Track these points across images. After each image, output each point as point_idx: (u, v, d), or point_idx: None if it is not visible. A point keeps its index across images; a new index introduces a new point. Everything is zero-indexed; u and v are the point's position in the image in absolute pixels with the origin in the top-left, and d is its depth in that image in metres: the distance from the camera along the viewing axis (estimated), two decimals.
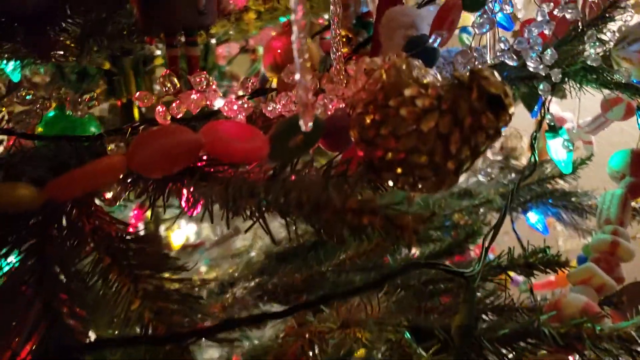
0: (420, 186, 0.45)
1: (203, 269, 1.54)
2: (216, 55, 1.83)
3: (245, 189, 0.45)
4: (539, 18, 0.78)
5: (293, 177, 0.55)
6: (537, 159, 0.88)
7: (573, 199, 1.30)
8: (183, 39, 0.91)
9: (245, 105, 0.58)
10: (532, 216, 1.42)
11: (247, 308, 0.93)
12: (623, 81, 0.82)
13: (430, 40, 0.63)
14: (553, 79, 0.86)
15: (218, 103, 0.60)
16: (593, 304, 0.74)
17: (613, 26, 0.92)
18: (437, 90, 0.43)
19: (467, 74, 0.42)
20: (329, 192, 0.37)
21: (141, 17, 0.85)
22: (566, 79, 0.99)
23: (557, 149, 1.02)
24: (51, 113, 1.24)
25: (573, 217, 1.36)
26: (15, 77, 1.19)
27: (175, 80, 0.56)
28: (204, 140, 0.49)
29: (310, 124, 0.38)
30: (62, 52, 0.78)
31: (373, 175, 0.48)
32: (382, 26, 0.77)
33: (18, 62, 0.96)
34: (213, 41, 1.56)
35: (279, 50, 1.10)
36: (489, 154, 1.82)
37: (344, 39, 1.01)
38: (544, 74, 0.82)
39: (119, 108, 1.57)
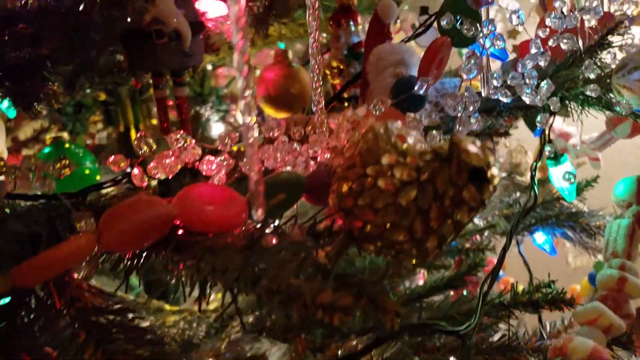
0: (403, 260, 0.43)
1: None
2: (216, 76, 1.82)
3: (218, 266, 0.43)
4: (533, 50, 0.75)
5: (276, 238, 0.53)
6: (537, 192, 0.85)
7: (580, 220, 1.26)
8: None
9: (225, 162, 0.56)
10: (539, 237, 1.38)
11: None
12: (623, 113, 0.79)
13: (416, 88, 0.61)
14: (552, 108, 0.83)
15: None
16: (601, 350, 0.71)
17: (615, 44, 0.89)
18: (415, 160, 0.41)
19: (447, 145, 0.39)
20: (300, 286, 0.35)
21: (127, 59, 0.84)
22: (567, 102, 0.96)
23: (558, 177, 0.98)
24: (46, 149, 1.23)
25: (581, 237, 1.32)
26: (11, 114, 1.18)
27: (151, 141, 0.54)
28: (176, 211, 0.47)
29: (262, 212, 0.35)
30: (45, 102, 0.76)
31: (354, 244, 0.46)
32: (369, 65, 0.75)
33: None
34: (209, 67, 1.55)
35: (271, 82, 1.09)
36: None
37: (336, 70, 0.99)
38: (541, 105, 0.79)
39: (116, 136, 1.57)
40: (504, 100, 0.72)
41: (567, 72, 0.90)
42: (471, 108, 0.66)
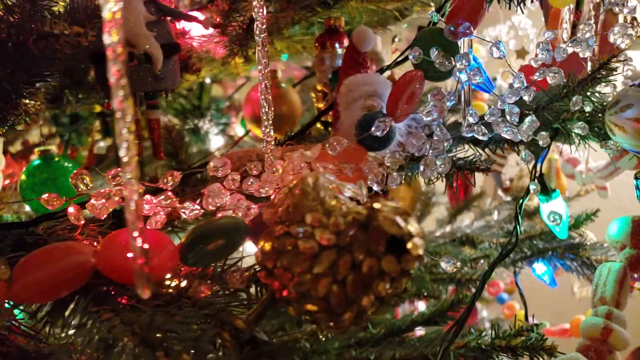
0: (323, 327, 0.40)
1: None
2: (223, 85, 1.80)
3: (126, 322, 0.40)
4: (516, 84, 0.71)
5: (208, 288, 0.50)
6: (520, 231, 0.80)
7: (581, 253, 1.20)
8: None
9: (165, 202, 0.53)
10: (539, 267, 1.32)
11: None
12: (611, 155, 0.74)
13: (373, 128, 0.57)
14: (541, 143, 0.79)
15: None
16: None
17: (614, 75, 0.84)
18: (337, 221, 0.38)
19: (366, 210, 0.36)
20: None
21: (96, 82, 0.82)
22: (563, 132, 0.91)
23: (548, 214, 0.93)
24: (35, 162, 1.23)
25: (583, 270, 1.26)
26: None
27: (88, 179, 0.52)
28: (97, 259, 0.45)
29: (147, 292, 0.32)
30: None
31: (280, 306, 0.43)
32: (340, 96, 0.72)
33: None
34: (208, 80, 1.54)
35: (257, 101, 1.06)
36: (499, 192, 1.73)
37: (320, 94, 0.96)
38: (525, 141, 0.75)
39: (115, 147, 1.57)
40: (481, 138, 0.68)
41: (560, 103, 0.86)
42: (440, 148, 0.62)
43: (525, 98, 0.72)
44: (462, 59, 0.64)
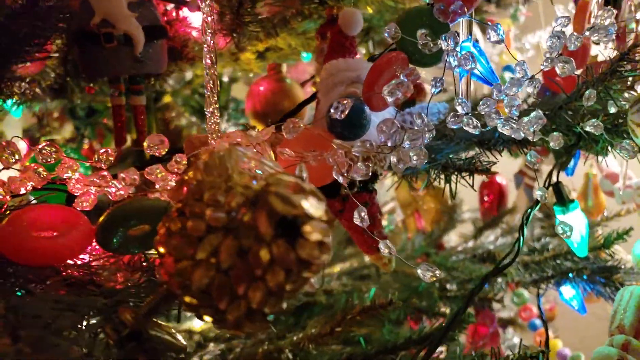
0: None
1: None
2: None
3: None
4: (518, 73, 0.62)
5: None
6: (522, 244, 0.71)
7: (614, 277, 1.08)
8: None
9: (96, 179, 0.49)
10: (567, 291, 1.20)
11: None
12: (627, 157, 0.64)
13: (332, 111, 0.51)
14: (552, 144, 0.70)
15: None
16: None
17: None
18: (234, 199, 0.31)
19: (260, 185, 0.29)
20: None
21: (79, 63, 0.79)
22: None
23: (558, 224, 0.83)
24: None
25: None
26: (17, 114, 1.19)
27: (18, 149, 0.48)
28: None
29: None
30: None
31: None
32: (320, 81, 0.66)
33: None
34: (225, 79, 1.50)
35: (259, 96, 1.01)
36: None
37: None
38: (531, 139, 0.66)
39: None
40: (471, 131, 0.60)
41: (580, 103, 0.76)
42: (418, 139, 0.55)
43: (529, 90, 0.63)
44: (448, 39, 0.56)
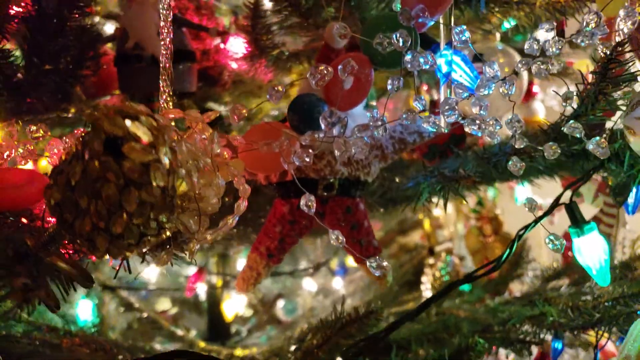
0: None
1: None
2: None
3: None
4: (488, 74, 0.61)
5: None
6: (504, 259, 0.67)
7: None
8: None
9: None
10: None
11: None
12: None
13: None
14: (546, 154, 0.67)
15: None
16: None
17: None
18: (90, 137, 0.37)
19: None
20: None
21: (118, 81, 0.92)
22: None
23: (582, 250, 0.76)
24: None
25: None
26: None
27: None
28: None
29: None
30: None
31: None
32: (300, 88, 0.70)
33: None
34: None
35: None
36: None
37: None
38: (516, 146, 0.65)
39: None
40: (430, 128, 0.60)
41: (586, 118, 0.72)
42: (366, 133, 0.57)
43: (501, 90, 0.62)
44: (399, 37, 0.58)
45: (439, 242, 1.77)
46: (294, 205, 0.71)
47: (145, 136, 0.34)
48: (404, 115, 0.59)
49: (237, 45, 1.05)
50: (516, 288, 1.55)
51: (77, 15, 0.73)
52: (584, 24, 0.62)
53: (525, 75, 1.29)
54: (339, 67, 0.56)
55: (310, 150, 0.56)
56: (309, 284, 1.70)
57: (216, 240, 1.26)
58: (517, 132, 0.63)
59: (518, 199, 1.86)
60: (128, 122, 0.34)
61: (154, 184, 0.35)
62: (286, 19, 0.89)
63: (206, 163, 0.47)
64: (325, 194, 0.70)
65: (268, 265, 0.73)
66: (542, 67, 0.62)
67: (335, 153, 0.56)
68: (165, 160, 0.35)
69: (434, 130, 0.60)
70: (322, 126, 0.56)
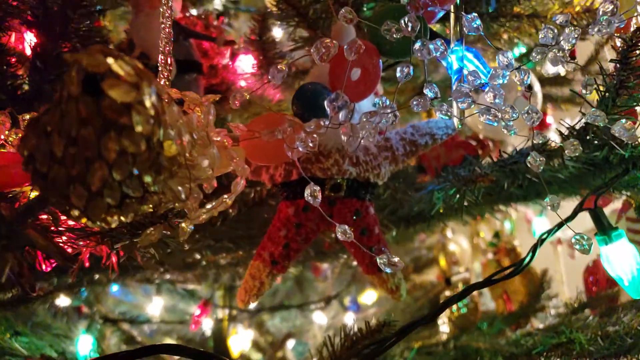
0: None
1: None
2: None
3: None
4: (501, 62, 0.58)
5: None
6: (532, 258, 0.61)
7: None
8: None
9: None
10: None
11: None
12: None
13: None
14: (567, 152, 0.63)
15: None
16: None
17: None
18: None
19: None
20: None
21: None
22: None
23: (610, 258, 0.70)
24: None
25: None
26: None
27: None
28: None
29: None
30: None
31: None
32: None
33: None
34: None
35: None
36: None
37: None
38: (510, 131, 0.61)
39: None
40: (442, 117, 0.56)
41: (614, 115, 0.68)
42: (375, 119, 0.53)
43: (516, 80, 0.59)
44: (408, 21, 0.56)
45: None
46: (299, 207, 0.67)
47: (128, 77, 0.31)
48: (414, 101, 0.56)
49: (246, 63, 1.05)
50: (537, 323, 1.47)
51: (82, 17, 0.72)
52: (600, 13, 0.59)
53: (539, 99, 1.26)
54: (345, 47, 0.53)
55: (315, 136, 0.53)
56: (320, 318, 1.62)
57: (222, 266, 1.21)
58: (534, 123, 0.60)
59: (536, 232, 1.80)
60: (110, 60, 0.31)
61: (136, 128, 0.32)
62: (294, 31, 0.88)
63: (201, 136, 0.44)
64: (333, 194, 0.66)
65: (272, 274, 0.68)
66: (558, 54, 0.59)
67: (342, 151, 0.53)
68: (149, 104, 0.32)
69: (446, 119, 0.56)
70: (328, 111, 0.53)
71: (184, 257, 1.09)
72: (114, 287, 1.65)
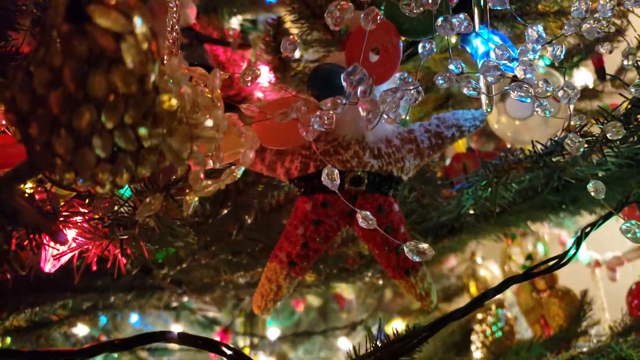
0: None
1: None
2: None
3: None
4: (531, 37, 0.54)
5: None
6: (577, 252, 0.55)
7: None
8: None
9: None
10: None
11: None
12: None
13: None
14: (609, 135, 0.58)
15: None
16: None
17: None
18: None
19: None
20: None
21: None
22: None
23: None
24: None
25: None
26: None
27: None
28: None
29: None
30: None
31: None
32: None
33: None
34: None
35: None
36: None
37: None
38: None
39: None
40: (468, 92, 0.52)
41: None
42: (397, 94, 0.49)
43: (547, 55, 0.54)
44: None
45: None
46: (318, 202, 0.62)
47: (117, 3, 0.28)
48: (439, 76, 0.52)
49: (262, 74, 1.03)
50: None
51: None
52: None
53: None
54: (361, 15, 0.49)
55: (332, 112, 0.49)
56: (345, 344, 1.54)
57: (240, 286, 1.15)
58: (571, 101, 0.55)
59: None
60: None
61: (127, 62, 0.28)
62: (309, 32, 0.86)
63: (205, 100, 0.40)
64: (353, 188, 0.62)
65: (289, 276, 0.63)
66: (594, 25, 0.55)
67: (362, 143, 0.49)
68: (141, 36, 0.29)
69: (474, 94, 0.52)
70: (345, 86, 0.49)
71: (201, 276, 1.05)
72: (134, 317, 1.61)
